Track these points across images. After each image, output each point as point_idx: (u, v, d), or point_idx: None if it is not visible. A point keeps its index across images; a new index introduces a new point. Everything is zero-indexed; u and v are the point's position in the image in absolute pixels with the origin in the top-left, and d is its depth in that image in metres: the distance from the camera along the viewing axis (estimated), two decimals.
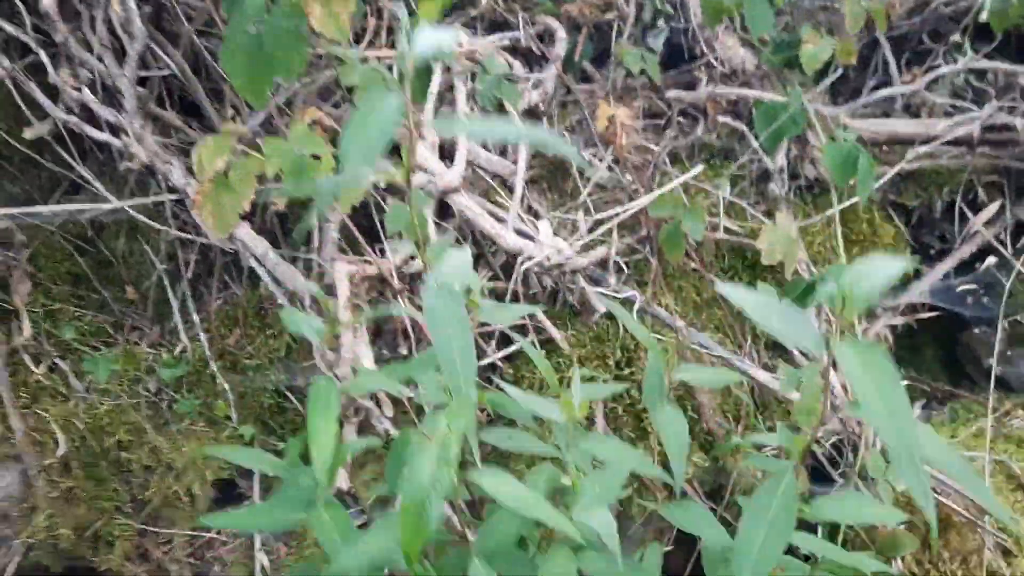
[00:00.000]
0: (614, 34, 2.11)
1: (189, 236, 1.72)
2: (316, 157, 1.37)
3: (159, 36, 1.77)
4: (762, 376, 1.65)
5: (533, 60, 2.08)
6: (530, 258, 1.59)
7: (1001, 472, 1.92)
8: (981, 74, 2.17)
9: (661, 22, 2.03)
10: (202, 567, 1.78)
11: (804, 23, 2.32)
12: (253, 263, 1.56)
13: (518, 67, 1.95)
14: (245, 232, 1.51)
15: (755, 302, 0.88)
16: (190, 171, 1.71)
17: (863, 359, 0.76)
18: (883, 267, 0.81)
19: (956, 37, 2.06)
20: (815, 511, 0.90)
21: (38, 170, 1.80)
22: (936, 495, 1.72)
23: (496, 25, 2.12)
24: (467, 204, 1.57)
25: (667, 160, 1.92)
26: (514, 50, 2.05)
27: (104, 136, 1.52)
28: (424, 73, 1.66)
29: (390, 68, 1.80)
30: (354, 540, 0.81)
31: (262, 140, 1.69)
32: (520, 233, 1.65)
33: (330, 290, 1.53)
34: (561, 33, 2.02)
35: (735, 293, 0.91)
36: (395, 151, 1.70)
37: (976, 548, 1.76)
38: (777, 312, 0.87)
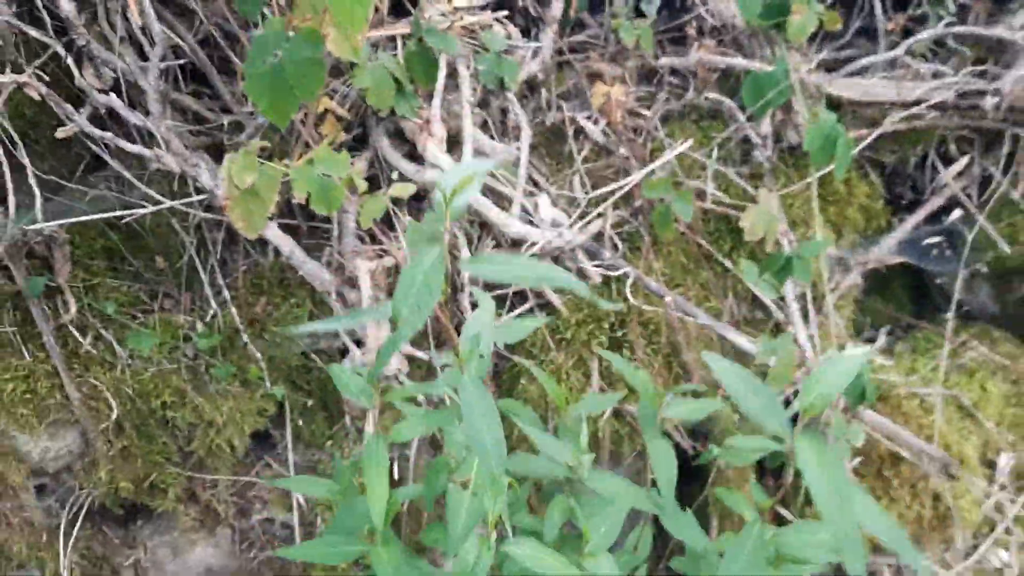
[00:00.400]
0: None
1: (216, 217, 1.84)
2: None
3: (169, 16, 1.84)
4: (742, 342, 1.84)
5: (530, 18, 2.14)
6: (534, 243, 1.74)
7: (952, 403, 2.16)
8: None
9: None
10: (245, 505, 2.02)
11: None
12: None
13: (516, 33, 2.01)
14: (273, 232, 1.65)
15: (735, 377, 1.06)
16: (212, 153, 1.84)
17: (818, 453, 0.95)
18: (844, 365, 0.98)
19: None
20: (781, 545, 1.10)
21: (65, 150, 1.89)
22: (888, 439, 1.96)
23: None
24: (475, 197, 1.70)
25: (659, 125, 2.03)
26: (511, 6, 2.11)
27: (136, 148, 1.62)
28: (431, 65, 1.74)
29: (393, 40, 1.87)
30: None
31: None
32: (524, 215, 1.79)
33: (352, 282, 1.68)
34: None
35: (719, 365, 1.08)
36: (400, 136, 1.81)
37: (923, 476, 2.02)
38: (753, 390, 1.04)
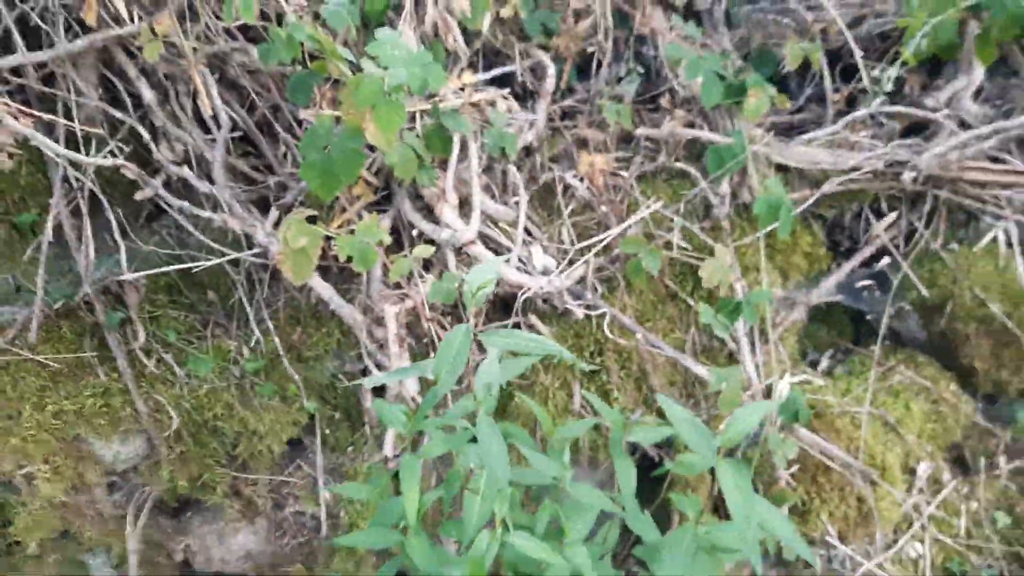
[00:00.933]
0: (594, 64, 2.53)
1: (262, 261, 2.20)
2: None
3: (224, 93, 2.20)
4: (700, 371, 2.22)
5: (527, 89, 2.51)
6: (528, 289, 2.11)
7: (879, 420, 2.55)
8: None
9: (633, 74, 2.44)
10: (280, 500, 2.39)
11: (756, 34, 2.75)
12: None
13: (515, 106, 2.38)
14: (316, 281, 2.01)
15: (679, 415, 1.43)
16: (259, 205, 2.21)
17: (733, 472, 1.32)
18: (749, 415, 1.36)
19: (876, 72, 2.50)
20: (714, 539, 1.48)
21: (132, 200, 2.24)
22: (822, 450, 2.34)
23: (495, 53, 2.52)
24: (480, 252, 2.06)
25: (635, 184, 2.40)
26: (511, 80, 2.47)
27: (208, 214, 1.98)
28: (446, 141, 2.11)
29: (418, 116, 2.22)
30: (438, 565, 1.39)
31: None
32: (520, 265, 2.16)
33: (379, 321, 2.05)
34: (551, 70, 2.44)
35: (669, 406, 1.46)
36: (420, 198, 2.17)
37: (850, 481, 2.40)
38: (692, 426, 1.42)
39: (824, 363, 2.74)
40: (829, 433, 2.39)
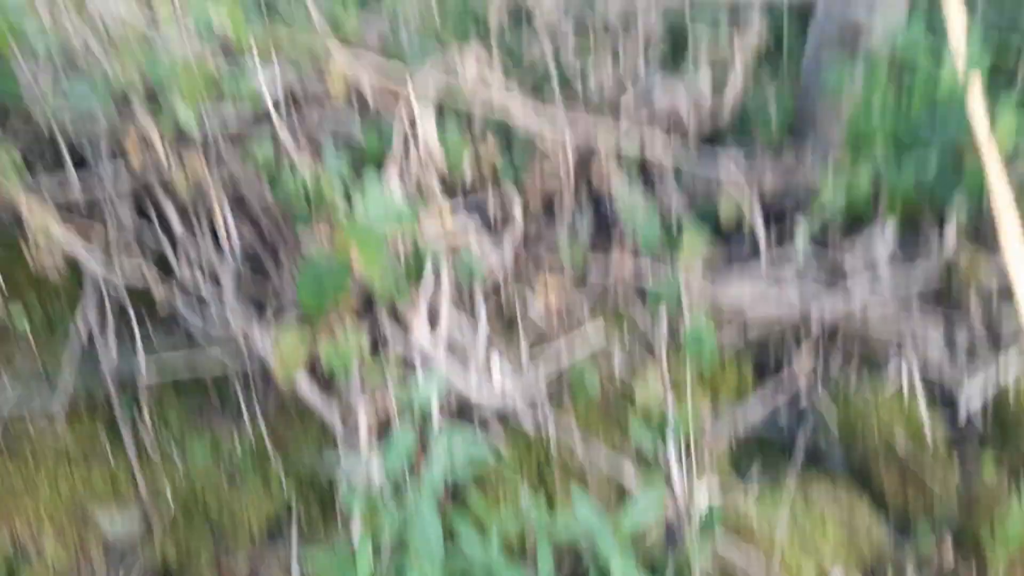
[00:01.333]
0: (556, 204, 2.96)
1: (259, 363, 2.57)
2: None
3: (241, 219, 2.60)
4: (629, 481, 2.55)
5: (497, 222, 2.93)
6: (483, 403, 2.46)
7: (798, 532, 2.85)
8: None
9: (587, 216, 2.87)
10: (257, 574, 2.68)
11: (699, 189, 3.19)
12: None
13: (485, 238, 2.79)
14: (303, 385, 2.37)
15: (585, 507, 1.77)
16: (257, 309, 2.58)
17: (621, 557, 1.65)
18: (643, 507, 1.70)
19: (798, 226, 2.92)
20: None
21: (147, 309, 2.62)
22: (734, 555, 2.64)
23: (473, 189, 2.95)
24: (445, 364, 2.43)
25: (586, 317, 2.79)
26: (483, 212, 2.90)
27: (221, 332, 2.36)
28: (422, 268, 2.50)
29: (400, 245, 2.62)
30: None
31: None
32: (478, 381, 2.52)
33: (355, 420, 2.40)
34: (518, 208, 2.86)
35: (577, 497, 1.79)
36: (396, 312, 2.53)
37: None
38: (594, 515, 1.75)
39: (754, 479, 3.05)
40: (748, 539, 2.70)
